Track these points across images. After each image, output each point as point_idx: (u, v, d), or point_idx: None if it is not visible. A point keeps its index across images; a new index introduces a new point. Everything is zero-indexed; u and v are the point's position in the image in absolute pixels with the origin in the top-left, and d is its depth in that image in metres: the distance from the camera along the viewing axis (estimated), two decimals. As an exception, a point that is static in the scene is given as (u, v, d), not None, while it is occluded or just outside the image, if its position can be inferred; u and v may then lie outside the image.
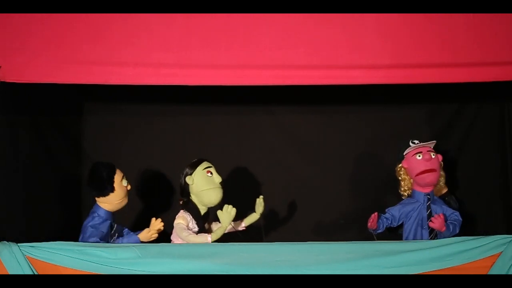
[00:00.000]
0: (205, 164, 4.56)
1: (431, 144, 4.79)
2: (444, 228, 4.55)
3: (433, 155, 4.73)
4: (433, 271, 3.98)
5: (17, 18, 4.21)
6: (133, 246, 4.11)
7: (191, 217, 4.50)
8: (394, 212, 4.74)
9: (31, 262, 3.98)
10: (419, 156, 4.71)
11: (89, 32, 4.24)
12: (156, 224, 4.45)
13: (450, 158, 5.38)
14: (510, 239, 4.01)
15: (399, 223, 4.78)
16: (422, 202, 4.73)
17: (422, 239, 4.63)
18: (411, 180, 4.79)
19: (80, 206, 5.44)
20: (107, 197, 4.52)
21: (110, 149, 5.39)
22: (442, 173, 4.84)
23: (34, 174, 4.69)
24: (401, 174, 4.83)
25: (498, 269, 3.96)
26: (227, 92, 4.49)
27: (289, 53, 4.25)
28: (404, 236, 4.75)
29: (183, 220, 4.46)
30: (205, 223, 4.57)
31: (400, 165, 4.82)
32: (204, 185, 4.52)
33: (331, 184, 5.51)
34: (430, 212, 4.70)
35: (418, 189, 4.76)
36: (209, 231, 4.56)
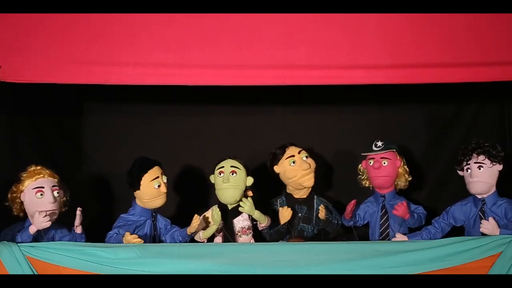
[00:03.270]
0: (219, 164, 4.62)
1: (385, 152, 4.77)
2: (408, 216, 4.60)
3: (385, 163, 4.75)
4: (433, 271, 3.98)
5: (17, 18, 4.21)
6: (133, 246, 4.12)
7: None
8: (360, 212, 4.85)
9: (31, 262, 3.98)
10: (371, 162, 4.77)
11: (89, 32, 4.24)
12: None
13: (450, 158, 5.38)
14: (510, 239, 4.02)
15: (365, 223, 4.87)
16: (379, 202, 4.81)
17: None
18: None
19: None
20: (136, 193, 4.56)
21: (110, 149, 5.39)
22: (405, 177, 4.83)
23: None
24: (361, 170, 4.93)
25: (498, 269, 3.96)
26: (227, 92, 4.49)
27: (289, 53, 4.26)
28: (370, 235, 4.82)
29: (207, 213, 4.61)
30: (233, 218, 4.60)
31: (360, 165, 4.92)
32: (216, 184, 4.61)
33: (331, 183, 5.51)
34: (385, 211, 4.76)
35: (376, 189, 4.85)
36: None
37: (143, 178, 4.51)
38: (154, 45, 4.25)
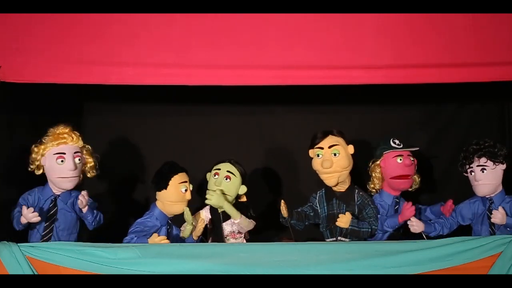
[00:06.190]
0: (218, 165, 4.65)
1: (413, 149, 4.77)
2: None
3: (412, 159, 4.73)
4: (433, 271, 3.98)
5: (17, 18, 4.21)
6: (133, 246, 4.11)
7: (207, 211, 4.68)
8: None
9: (31, 262, 3.97)
10: (400, 159, 4.69)
11: (89, 32, 4.24)
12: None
13: (450, 158, 5.39)
14: (510, 239, 4.02)
15: None
16: (390, 204, 4.73)
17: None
18: (381, 183, 4.80)
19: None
20: (160, 193, 4.51)
21: (110, 149, 5.39)
22: (416, 176, 4.83)
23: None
24: (376, 171, 4.79)
25: (498, 269, 3.96)
26: (227, 92, 4.49)
27: (289, 53, 4.26)
28: (378, 236, 4.73)
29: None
30: (223, 222, 4.61)
31: (378, 162, 4.78)
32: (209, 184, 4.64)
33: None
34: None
35: (388, 190, 4.77)
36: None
37: (172, 179, 4.49)
38: (154, 45, 4.25)
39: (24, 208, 4.20)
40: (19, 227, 4.28)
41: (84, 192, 4.36)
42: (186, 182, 4.53)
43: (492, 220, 4.41)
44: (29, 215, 4.17)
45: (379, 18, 4.24)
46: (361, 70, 4.28)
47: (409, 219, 4.55)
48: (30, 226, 4.37)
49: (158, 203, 4.55)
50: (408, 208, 4.53)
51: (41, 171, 4.42)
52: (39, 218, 4.21)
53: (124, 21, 4.23)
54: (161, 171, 4.55)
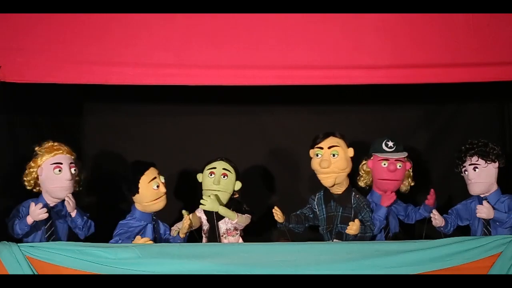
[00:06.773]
0: (211, 164, 4.64)
1: (401, 155, 4.72)
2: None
3: (399, 165, 4.69)
4: (433, 271, 3.98)
5: (17, 18, 4.21)
6: (133, 246, 4.12)
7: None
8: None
9: (31, 262, 3.98)
10: (385, 164, 4.68)
11: (89, 32, 4.24)
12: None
13: (450, 158, 5.39)
14: (510, 239, 4.02)
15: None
16: (379, 204, 4.70)
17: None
18: (370, 178, 4.81)
19: (80, 206, 5.43)
20: (135, 197, 4.50)
21: (110, 149, 5.39)
22: (408, 181, 4.83)
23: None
24: (363, 169, 4.82)
25: (498, 269, 3.97)
26: (227, 92, 4.49)
27: (289, 53, 4.26)
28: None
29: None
30: (219, 220, 4.61)
31: (365, 162, 4.80)
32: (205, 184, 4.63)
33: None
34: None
35: (377, 191, 4.77)
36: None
37: (140, 181, 4.45)
38: (154, 45, 4.25)
39: (32, 204, 4.22)
40: (23, 229, 4.26)
41: (69, 195, 4.39)
42: (155, 178, 4.49)
43: (478, 215, 4.44)
44: (37, 211, 4.19)
45: (379, 18, 4.24)
46: (361, 70, 4.28)
47: (432, 212, 4.59)
48: (28, 233, 4.37)
49: (136, 205, 4.52)
50: (387, 195, 4.63)
51: (37, 189, 4.45)
52: (46, 215, 4.24)
53: (125, 21, 4.23)
54: (127, 176, 4.51)
